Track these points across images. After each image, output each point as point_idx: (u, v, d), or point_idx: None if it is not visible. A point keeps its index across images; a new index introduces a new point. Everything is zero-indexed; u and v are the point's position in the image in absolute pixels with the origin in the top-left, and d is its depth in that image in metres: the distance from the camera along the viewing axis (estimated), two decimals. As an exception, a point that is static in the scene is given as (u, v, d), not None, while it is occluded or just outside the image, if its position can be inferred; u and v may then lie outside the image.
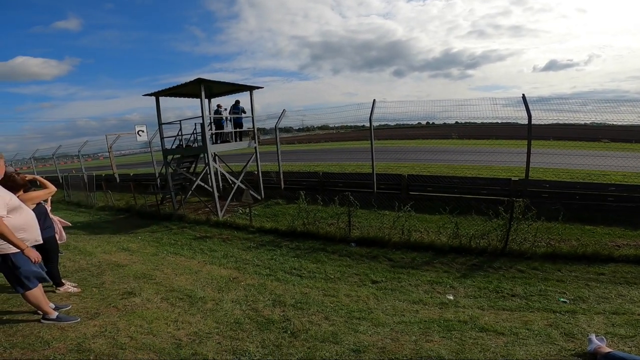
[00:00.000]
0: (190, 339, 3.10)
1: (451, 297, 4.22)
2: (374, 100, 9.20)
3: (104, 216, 11.12)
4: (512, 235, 5.73)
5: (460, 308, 3.87)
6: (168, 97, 11.04)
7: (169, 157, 10.88)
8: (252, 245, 6.91)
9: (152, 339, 3.05)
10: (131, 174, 17.05)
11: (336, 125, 14.19)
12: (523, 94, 7.73)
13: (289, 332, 3.23)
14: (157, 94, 10.09)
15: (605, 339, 2.70)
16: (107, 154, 17.83)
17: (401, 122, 9.96)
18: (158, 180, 12.87)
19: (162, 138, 10.59)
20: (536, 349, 2.75)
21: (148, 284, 4.60)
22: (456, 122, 10.69)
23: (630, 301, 4.04)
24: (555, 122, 8.00)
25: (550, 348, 2.78)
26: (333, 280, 4.96)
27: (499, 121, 8.31)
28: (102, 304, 3.84)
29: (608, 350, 2.45)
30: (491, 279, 4.80)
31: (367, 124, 9.17)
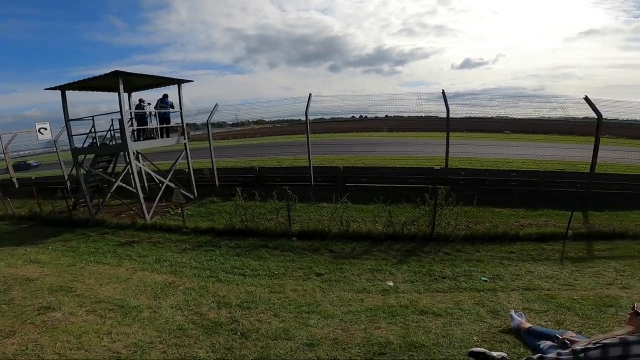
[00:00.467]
0: (130, 350, 2.87)
1: (391, 284, 4.47)
2: (310, 94, 9.29)
3: (3, 226, 9.46)
4: (437, 220, 6.28)
5: (400, 293, 4.11)
6: (79, 91, 9.72)
7: (80, 157, 9.64)
8: (187, 247, 6.51)
9: (85, 354, 2.78)
10: (33, 178, 14.80)
11: (272, 119, 14.00)
12: (443, 90, 8.52)
13: (238, 333, 3.15)
14: (64, 88, 8.79)
15: (524, 315, 3.05)
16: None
17: (336, 116, 10.25)
18: (68, 183, 11.34)
19: (70, 136, 9.26)
20: (470, 328, 3.04)
21: (68, 297, 4.14)
22: (386, 116, 11.35)
23: (538, 277, 4.66)
24: (468, 115, 9.03)
25: (481, 326, 3.07)
26: (278, 276, 4.94)
27: (423, 115, 9.04)
28: (16, 321, 3.43)
29: (529, 325, 2.73)
30: (423, 263, 5.19)
31: (303, 118, 9.23)
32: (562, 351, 1.96)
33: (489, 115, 8.73)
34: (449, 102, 8.36)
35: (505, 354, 2.37)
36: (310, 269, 5.14)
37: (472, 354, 2.39)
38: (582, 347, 1.83)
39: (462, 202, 6.58)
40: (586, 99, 7.30)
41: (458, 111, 8.70)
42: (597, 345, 1.78)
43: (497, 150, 10.66)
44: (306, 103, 9.16)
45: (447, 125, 8.45)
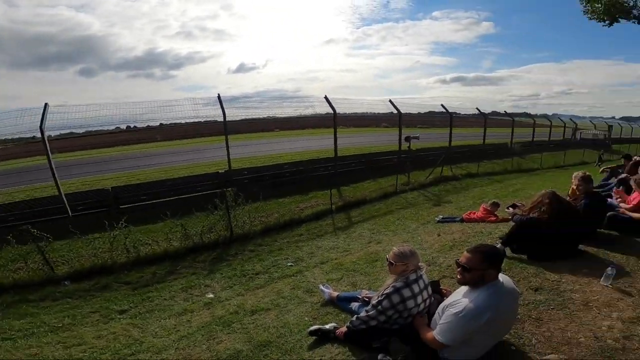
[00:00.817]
0: None
1: (211, 295, 4.21)
2: (46, 104, 7.08)
3: None
4: (233, 222, 6.37)
5: (224, 301, 3.93)
6: None
7: None
8: None
9: None
10: None
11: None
12: (218, 94, 8.69)
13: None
14: None
15: (330, 286, 3.43)
16: None
17: (93, 129, 8.33)
18: None
19: None
20: (298, 311, 3.19)
21: None
22: (161, 124, 10.33)
23: (326, 250, 5.49)
24: (244, 117, 9.68)
25: (306, 306, 3.26)
26: (66, 328, 3.75)
27: (201, 120, 8.89)
28: None
29: (336, 294, 3.12)
30: (234, 266, 5.16)
31: (39, 135, 6.95)
32: (367, 307, 2.39)
33: (262, 116, 9.72)
34: (225, 106, 8.60)
35: (335, 324, 2.64)
36: (108, 309, 4.17)
37: (311, 332, 2.56)
38: (376, 300, 2.30)
39: (251, 199, 6.94)
40: (326, 98, 9.41)
41: (236, 114, 9.12)
42: (383, 296, 2.25)
43: (271, 147, 11.93)
44: (41, 116, 6.93)
45: (225, 128, 8.68)
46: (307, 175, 10.19)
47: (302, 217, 7.31)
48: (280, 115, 9.86)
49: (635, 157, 6.95)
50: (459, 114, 16.86)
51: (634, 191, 4.34)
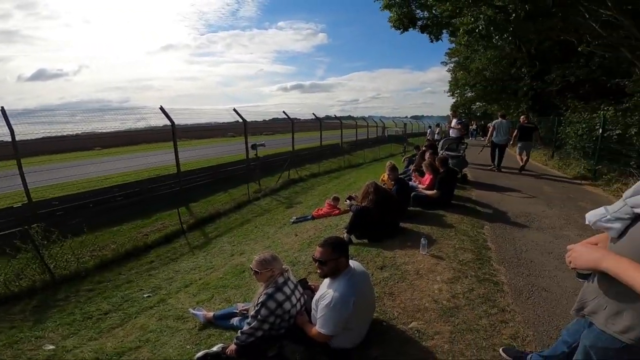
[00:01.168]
0: None
1: (52, 347, 3.36)
2: None
3: None
4: (51, 262, 5.11)
5: (74, 350, 3.17)
6: None
7: None
8: None
9: None
10: None
11: None
12: (2, 107, 6.42)
13: None
14: None
15: (201, 308, 3.15)
16: None
17: None
18: None
19: None
20: (175, 342, 2.78)
21: None
22: None
23: (185, 272, 5.01)
24: (46, 135, 7.49)
25: (183, 335, 2.87)
26: None
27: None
28: None
29: (212, 313, 2.92)
30: (71, 310, 4.21)
31: None
32: (247, 320, 2.33)
33: (74, 132, 7.76)
34: (15, 122, 6.47)
35: (222, 344, 2.46)
36: None
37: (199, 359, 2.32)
38: (254, 311, 2.27)
39: (71, 233, 5.78)
40: (161, 108, 8.41)
41: (31, 131, 6.94)
42: (259, 305, 2.23)
43: (92, 168, 9.80)
44: None
45: (15, 149, 6.52)
46: (147, 196, 8.94)
47: (148, 243, 6.43)
48: (103, 130, 8.20)
49: (422, 147, 9.07)
50: (299, 119, 18.30)
51: (426, 174, 5.78)
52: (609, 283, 1.12)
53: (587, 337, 1.27)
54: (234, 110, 10.69)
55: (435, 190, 5.27)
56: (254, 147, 10.13)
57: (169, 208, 8.16)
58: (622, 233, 1.13)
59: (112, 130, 8.27)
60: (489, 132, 9.02)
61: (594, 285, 1.24)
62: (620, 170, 7.23)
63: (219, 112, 20.91)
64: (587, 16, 7.25)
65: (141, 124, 9.02)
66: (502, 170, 8.80)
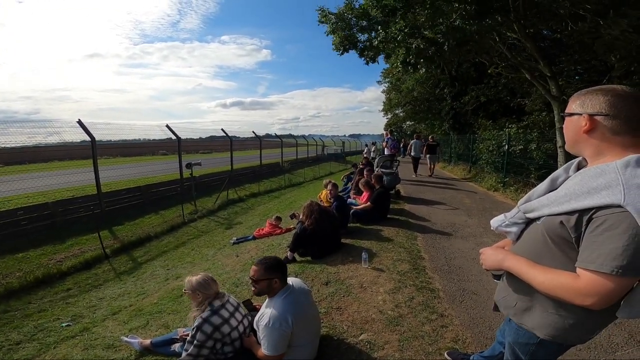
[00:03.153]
0: None
1: None
2: None
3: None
4: None
5: None
6: None
7: None
8: None
9: None
10: None
11: None
12: None
13: None
14: None
15: (135, 335, 2.87)
16: None
17: None
18: None
19: None
20: None
21: None
22: None
23: (112, 299, 4.58)
24: None
25: None
26: None
27: None
28: None
29: (149, 340, 2.69)
30: None
31: None
32: (185, 347, 2.20)
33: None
34: None
35: None
36: None
37: None
38: (190, 336, 2.16)
39: None
40: (79, 122, 7.50)
41: None
42: (194, 329, 2.13)
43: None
44: None
45: None
46: (59, 219, 7.87)
47: (63, 270, 5.78)
48: (4, 145, 7.02)
49: (359, 165, 9.62)
50: (239, 137, 17.87)
51: (363, 192, 6.06)
52: (516, 281, 1.22)
53: (509, 334, 1.37)
54: (167, 126, 10.05)
55: (368, 203, 5.54)
56: (189, 166, 9.58)
57: (87, 232, 7.38)
58: (519, 236, 1.28)
59: (17, 145, 7.11)
60: (408, 148, 12.39)
61: (503, 284, 1.36)
62: (524, 182, 8.39)
63: (150, 128, 19.48)
64: (497, 39, 8.19)
65: (53, 139, 7.94)
66: (419, 175, 11.78)
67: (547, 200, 1.10)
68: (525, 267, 1.12)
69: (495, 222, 1.35)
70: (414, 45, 7.30)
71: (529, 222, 1.22)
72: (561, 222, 1.03)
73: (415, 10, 7.47)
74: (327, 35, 9.33)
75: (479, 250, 1.38)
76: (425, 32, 7.39)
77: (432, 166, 12.30)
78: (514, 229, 1.27)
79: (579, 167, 1.19)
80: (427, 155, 11.94)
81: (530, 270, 1.10)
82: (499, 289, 1.40)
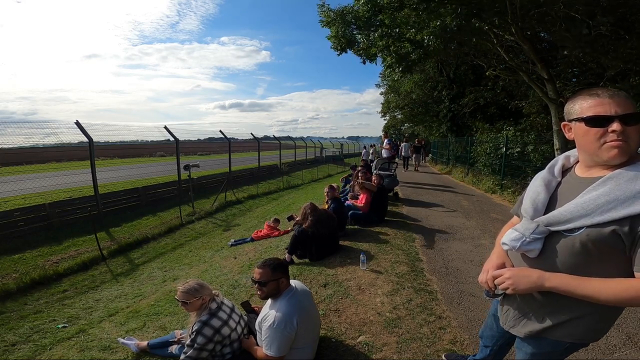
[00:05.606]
0: None
1: None
2: None
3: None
4: None
5: None
6: None
7: None
8: None
9: None
10: None
11: None
12: None
13: None
14: None
15: (132, 337, 2.85)
16: None
17: None
18: None
19: None
20: None
21: None
22: None
23: (109, 300, 4.54)
24: None
25: None
26: None
27: None
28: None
29: (146, 342, 2.67)
30: None
31: None
32: (184, 350, 2.17)
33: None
34: None
35: None
36: None
37: None
38: (189, 340, 2.13)
39: None
40: (77, 123, 7.48)
41: None
42: (194, 333, 2.11)
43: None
44: None
45: None
46: (56, 220, 7.83)
47: (60, 271, 5.76)
48: (2, 146, 6.99)
49: (358, 167, 9.61)
50: (237, 139, 17.84)
51: (361, 194, 6.05)
52: (541, 298, 1.17)
53: (525, 350, 1.30)
54: (165, 127, 10.03)
55: (364, 203, 5.54)
56: (186, 167, 9.55)
57: (84, 234, 7.35)
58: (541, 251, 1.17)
59: (14, 145, 7.07)
60: (399, 149, 15.34)
61: (512, 309, 1.30)
62: (521, 184, 8.42)
63: (148, 129, 19.48)
64: (495, 42, 8.21)
65: (50, 140, 7.89)
66: (407, 170, 15.16)
67: (583, 210, 1.02)
68: (576, 282, 1.04)
69: (512, 241, 1.19)
70: (393, 51, 7.28)
71: (548, 235, 1.13)
72: (613, 231, 0.97)
73: (403, 12, 7.40)
74: (322, 26, 9.18)
75: (493, 273, 1.25)
76: (410, 35, 7.35)
77: (417, 163, 16.61)
78: (538, 245, 1.14)
79: (564, 169, 1.20)
80: (413, 155, 15.91)
81: (587, 284, 1.02)
82: (509, 316, 1.34)
